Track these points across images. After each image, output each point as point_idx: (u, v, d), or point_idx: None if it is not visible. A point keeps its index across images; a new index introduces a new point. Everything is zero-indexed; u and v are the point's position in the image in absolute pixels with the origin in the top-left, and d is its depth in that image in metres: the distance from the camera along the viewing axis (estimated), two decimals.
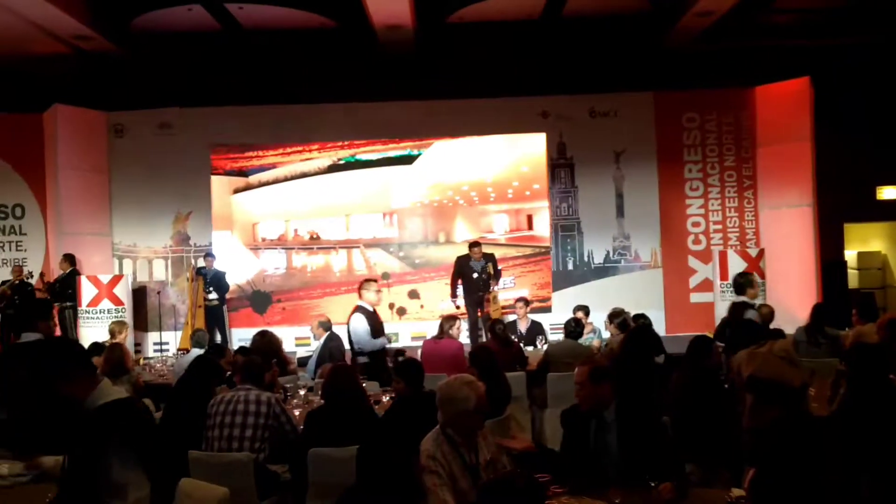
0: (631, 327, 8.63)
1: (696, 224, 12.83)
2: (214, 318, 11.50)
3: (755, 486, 2.45)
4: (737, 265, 11.11)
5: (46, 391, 3.08)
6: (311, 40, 12.29)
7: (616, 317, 8.45)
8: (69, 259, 11.49)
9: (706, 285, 12.27)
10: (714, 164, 12.85)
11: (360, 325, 7.81)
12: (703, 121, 12.87)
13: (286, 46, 12.34)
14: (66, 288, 11.28)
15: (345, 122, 12.58)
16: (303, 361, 8.89)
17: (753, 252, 11.39)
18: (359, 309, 7.94)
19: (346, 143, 12.70)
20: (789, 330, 8.45)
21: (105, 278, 11.39)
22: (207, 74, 12.44)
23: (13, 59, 11.98)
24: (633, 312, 9.02)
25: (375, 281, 8.47)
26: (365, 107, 12.48)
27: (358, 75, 12.46)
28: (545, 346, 8.82)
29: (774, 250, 11.82)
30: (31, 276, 11.87)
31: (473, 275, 10.82)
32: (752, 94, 12.75)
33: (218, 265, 11.92)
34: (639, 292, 12.21)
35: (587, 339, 9.03)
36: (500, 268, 11.17)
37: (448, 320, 8.15)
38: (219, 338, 11.18)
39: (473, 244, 11.04)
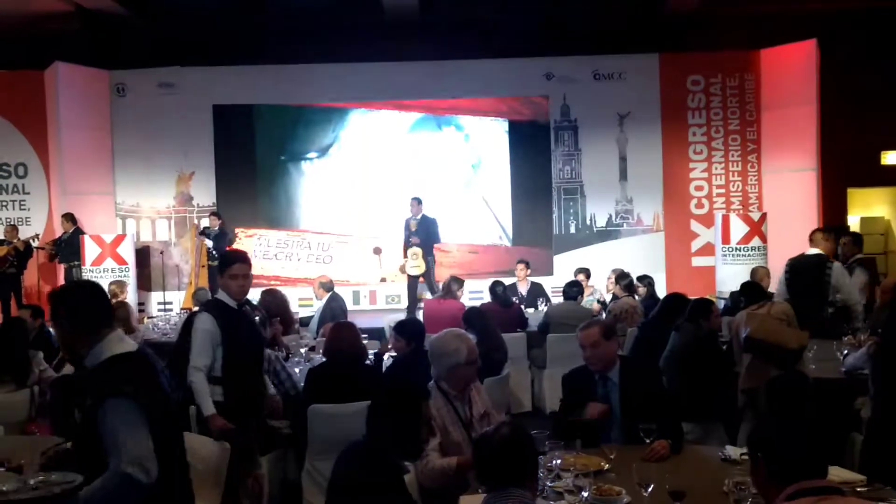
0: (639, 289, 8.69)
1: (698, 188, 12.80)
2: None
3: (751, 449, 2.48)
4: (739, 229, 11.10)
5: None
6: (315, 1, 12.15)
7: (623, 278, 8.48)
8: (71, 218, 11.51)
9: (708, 249, 12.28)
10: (718, 127, 12.78)
11: None
12: (707, 84, 12.78)
13: (289, 6, 12.22)
14: (71, 247, 11.33)
15: (347, 84, 12.50)
16: (305, 321, 8.97)
17: (756, 216, 11.37)
18: None
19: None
20: None
21: (108, 238, 11.43)
22: (210, 34, 12.34)
23: (15, 17, 11.87)
24: (635, 275, 9.05)
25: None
26: (369, 67, 12.41)
27: (362, 36, 12.35)
28: (546, 308, 8.86)
29: (777, 214, 11.80)
30: (37, 238, 11.90)
31: (406, 232, 10.89)
32: (757, 56, 12.64)
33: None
34: (641, 256, 12.24)
35: (588, 301, 9.07)
36: (434, 230, 11.06)
37: (454, 281, 8.21)
38: None
39: (412, 199, 11.03)
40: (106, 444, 2.70)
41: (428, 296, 10.37)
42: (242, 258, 4.71)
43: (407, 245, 10.85)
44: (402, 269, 10.97)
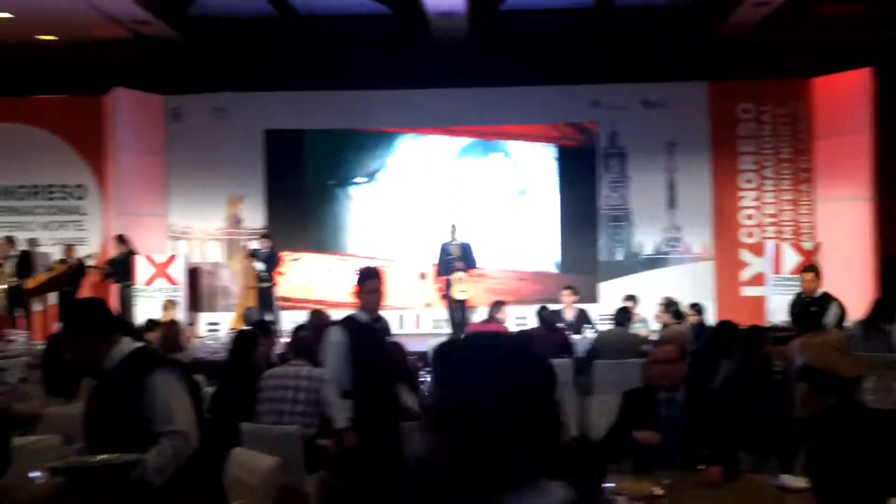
0: (689, 316, 8.59)
1: (749, 217, 12.62)
2: (265, 299, 11.67)
3: (811, 474, 2.44)
4: (791, 259, 10.93)
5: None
6: (365, 27, 12.37)
7: (671, 306, 8.40)
8: (122, 240, 11.76)
9: (758, 279, 12.07)
10: (769, 155, 12.62)
11: None
12: (758, 112, 12.64)
13: (340, 33, 12.44)
14: (124, 267, 11.58)
15: (396, 110, 12.65)
16: None
17: (808, 246, 11.17)
18: None
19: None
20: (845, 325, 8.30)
21: (160, 258, 11.67)
22: (262, 60, 12.60)
23: (76, 44, 12.27)
24: (684, 304, 8.95)
25: None
26: (416, 94, 12.54)
27: (410, 62, 12.50)
28: (592, 335, 8.79)
29: (831, 245, 11.57)
30: (91, 258, 12.18)
31: (446, 257, 10.88)
32: (810, 85, 12.49)
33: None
34: (689, 284, 12.05)
35: (635, 327, 8.97)
36: (472, 255, 11.25)
37: (495, 305, 8.23)
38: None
39: (452, 224, 11.16)
40: (155, 416, 2.93)
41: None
42: (377, 274, 4.82)
43: (448, 269, 10.88)
44: (444, 294, 10.99)
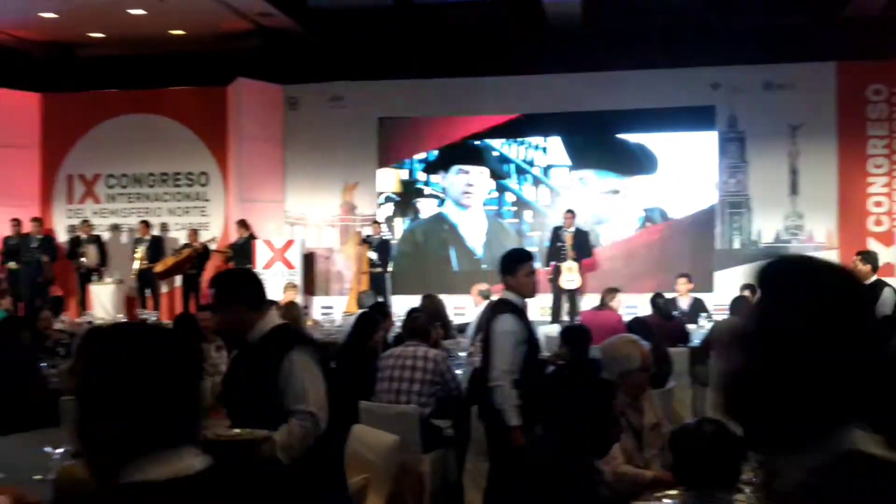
0: None
1: (878, 204, 11.98)
2: (377, 284, 11.92)
3: None
4: None
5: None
6: (479, 14, 12.38)
7: None
8: (244, 224, 12.24)
9: (887, 269, 11.41)
10: None
11: None
12: (890, 93, 11.97)
13: (454, 21, 12.49)
14: (245, 251, 12.08)
15: (511, 95, 12.61)
16: (461, 328, 9.12)
17: None
18: None
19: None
20: None
21: (278, 243, 12.10)
22: (377, 49, 12.82)
23: (202, 37, 12.84)
24: None
25: None
26: (531, 79, 12.48)
27: (524, 48, 12.45)
28: (708, 324, 8.58)
29: None
30: (214, 242, 12.74)
31: (557, 243, 10.72)
32: None
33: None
34: None
35: None
36: (591, 245, 11.24)
37: (608, 292, 8.15)
38: None
39: (566, 211, 11.05)
40: (289, 393, 2.98)
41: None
42: (531, 256, 4.74)
43: (559, 257, 10.79)
44: (551, 279, 10.92)
